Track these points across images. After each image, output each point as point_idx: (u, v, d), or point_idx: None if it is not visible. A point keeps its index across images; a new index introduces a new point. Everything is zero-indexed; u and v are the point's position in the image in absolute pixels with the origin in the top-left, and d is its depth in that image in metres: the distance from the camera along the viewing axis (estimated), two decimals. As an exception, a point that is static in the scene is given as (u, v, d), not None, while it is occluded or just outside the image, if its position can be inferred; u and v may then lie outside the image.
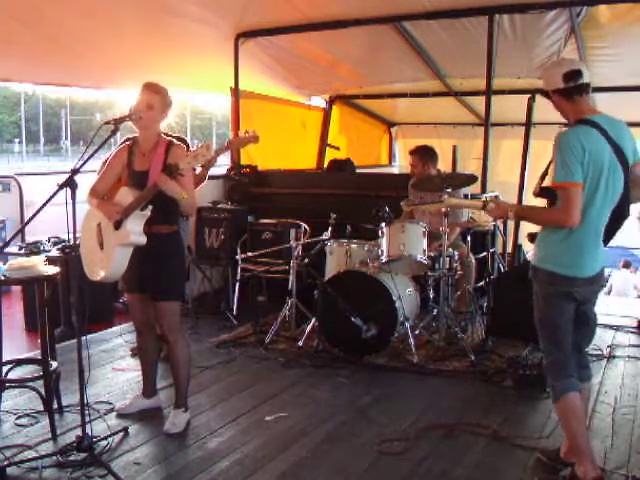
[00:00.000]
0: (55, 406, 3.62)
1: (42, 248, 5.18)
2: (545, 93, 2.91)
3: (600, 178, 2.71)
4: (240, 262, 5.71)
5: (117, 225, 3.29)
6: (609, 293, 10.21)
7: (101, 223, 3.40)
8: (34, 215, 2.93)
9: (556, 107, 2.89)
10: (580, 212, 2.70)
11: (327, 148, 9.37)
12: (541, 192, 2.87)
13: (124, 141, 3.82)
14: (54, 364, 3.62)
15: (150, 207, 3.30)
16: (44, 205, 2.94)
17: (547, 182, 2.86)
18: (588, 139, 2.68)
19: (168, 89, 3.47)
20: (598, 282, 2.89)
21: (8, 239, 3.69)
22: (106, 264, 3.35)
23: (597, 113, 2.79)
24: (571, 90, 2.79)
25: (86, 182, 3.32)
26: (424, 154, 5.36)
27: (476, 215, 5.44)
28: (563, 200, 2.70)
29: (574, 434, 2.85)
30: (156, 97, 3.38)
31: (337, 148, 9.41)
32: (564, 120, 2.94)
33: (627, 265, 11.95)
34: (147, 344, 3.74)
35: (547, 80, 2.88)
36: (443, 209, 4.67)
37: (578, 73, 2.79)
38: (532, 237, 3.07)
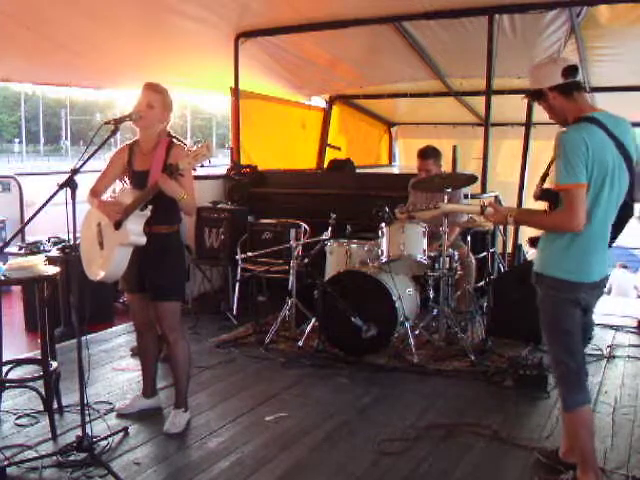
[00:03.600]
0: (55, 406, 3.61)
1: (42, 248, 5.18)
2: (533, 93, 2.77)
3: (605, 178, 2.60)
4: (240, 262, 5.71)
5: (117, 225, 3.29)
6: (609, 293, 10.20)
7: (101, 223, 3.40)
8: (34, 215, 2.93)
9: (550, 107, 2.75)
10: (585, 215, 2.57)
11: (327, 148, 9.38)
12: (542, 195, 2.76)
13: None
14: (54, 364, 3.62)
15: (150, 207, 3.30)
16: (44, 205, 2.93)
17: (548, 184, 2.76)
18: (592, 137, 2.56)
19: (168, 89, 3.48)
20: (602, 286, 2.78)
21: (8, 239, 3.69)
22: (106, 264, 3.35)
23: (597, 110, 2.70)
24: (571, 86, 2.69)
25: (86, 182, 3.32)
26: (437, 156, 5.30)
27: (476, 215, 5.43)
28: (567, 203, 2.58)
29: (583, 445, 2.80)
30: (156, 97, 3.38)
31: (338, 148, 9.42)
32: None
33: (625, 266, 11.93)
34: (147, 344, 3.73)
35: (541, 77, 2.74)
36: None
37: (576, 69, 2.70)
38: (532, 241, 2.96)
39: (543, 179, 2.81)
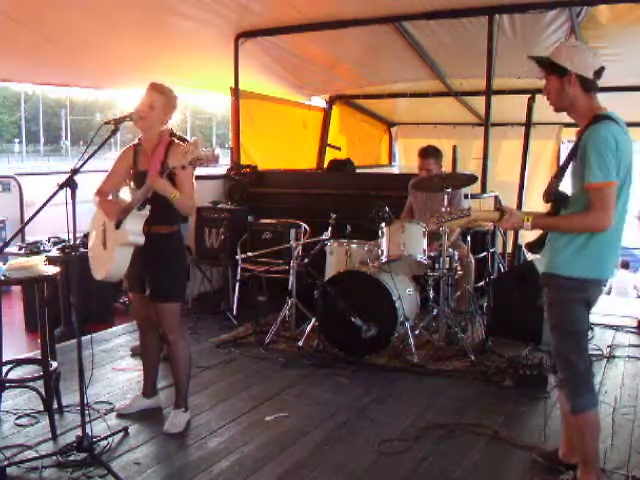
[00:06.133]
0: (55, 406, 3.62)
1: (42, 248, 5.18)
2: (554, 65, 2.69)
3: (626, 177, 2.60)
4: (240, 262, 5.71)
5: (117, 225, 3.30)
6: (609, 293, 10.20)
7: (105, 223, 3.42)
8: (34, 215, 2.93)
9: (562, 88, 2.66)
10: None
11: (327, 148, 9.38)
12: (556, 197, 2.69)
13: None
14: (54, 364, 3.62)
15: (148, 207, 3.30)
16: (44, 205, 2.93)
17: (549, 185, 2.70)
18: (618, 136, 2.55)
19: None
20: (605, 284, 2.79)
21: (8, 239, 3.69)
22: (108, 263, 3.36)
23: (605, 110, 2.66)
24: (593, 85, 2.65)
25: (86, 182, 3.31)
26: (438, 155, 5.29)
27: (495, 220, 5.41)
28: (599, 201, 2.51)
29: (587, 448, 2.78)
30: (158, 97, 3.37)
31: (338, 148, 9.41)
32: (564, 120, 2.85)
33: (625, 265, 11.91)
34: (149, 343, 3.74)
35: (576, 60, 2.64)
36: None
37: (603, 71, 2.67)
38: (531, 246, 2.89)
39: (557, 178, 2.72)
